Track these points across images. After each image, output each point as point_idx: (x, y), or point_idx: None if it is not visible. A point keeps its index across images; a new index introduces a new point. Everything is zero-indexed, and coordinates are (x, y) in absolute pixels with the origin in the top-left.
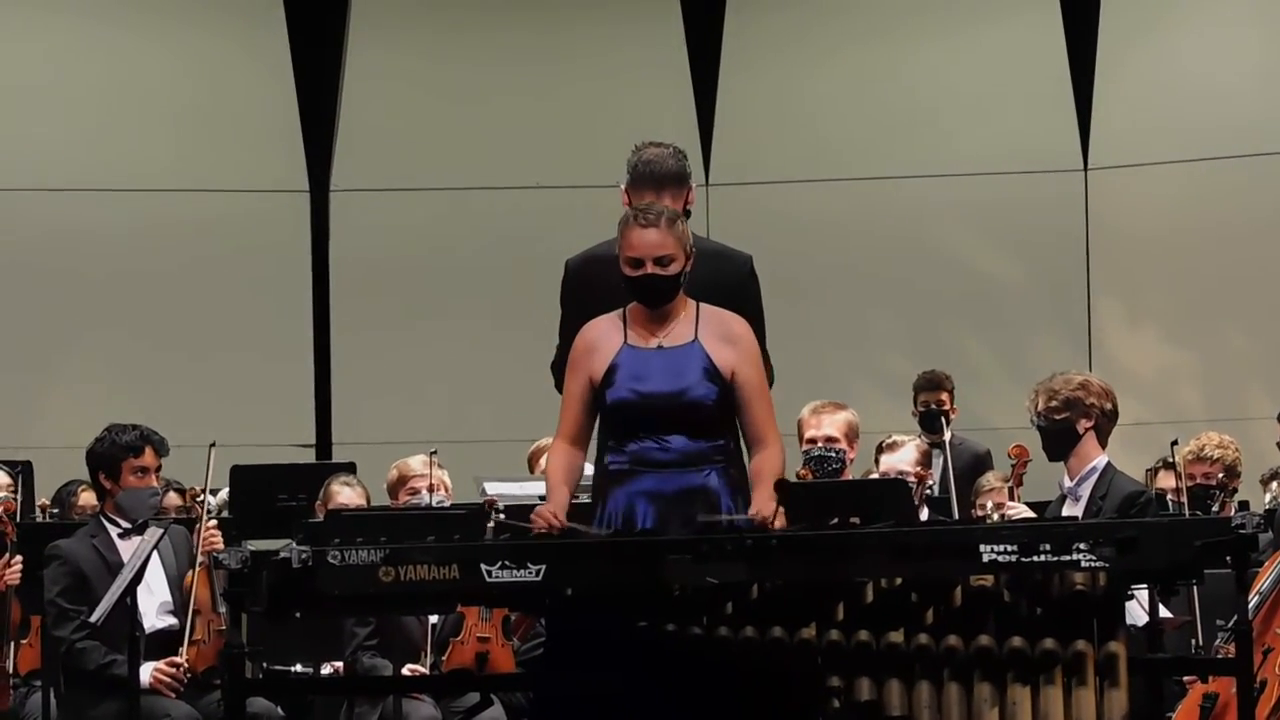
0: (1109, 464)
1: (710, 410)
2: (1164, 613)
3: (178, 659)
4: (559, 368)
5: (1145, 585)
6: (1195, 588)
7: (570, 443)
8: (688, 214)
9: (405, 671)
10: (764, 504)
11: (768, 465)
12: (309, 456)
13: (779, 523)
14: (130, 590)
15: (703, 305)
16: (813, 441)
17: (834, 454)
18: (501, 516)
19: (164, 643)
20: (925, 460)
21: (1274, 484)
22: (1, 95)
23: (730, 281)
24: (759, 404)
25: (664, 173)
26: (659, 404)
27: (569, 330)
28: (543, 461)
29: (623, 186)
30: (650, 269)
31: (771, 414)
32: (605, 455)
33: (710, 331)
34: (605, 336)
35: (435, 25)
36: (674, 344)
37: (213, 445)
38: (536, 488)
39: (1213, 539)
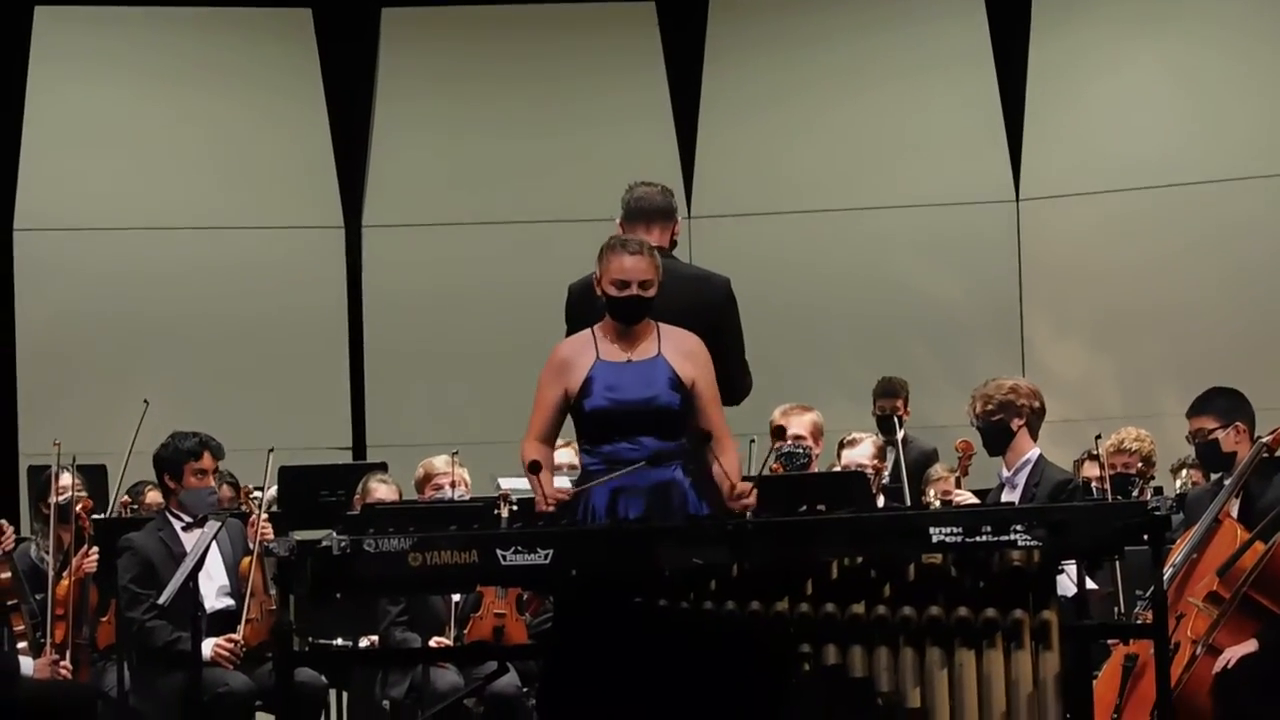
0: (1041, 456)
1: (675, 414)
2: (1090, 585)
3: (235, 635)
4: None
5: (1074, 561)
6: (1117, 562)
7: (542, 441)
8: (674, 244)
9: (432, 643)
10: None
11: (728, 459)
12: (347, 458)
13: (752, 499)
14: (193, 576)
15: (662, 325)
16: (784, 439)
17: (802, 450)
18: (514, 508)
19: (222, 621)
20: (881, 454)
21: (1183, 472)
22: (79, 150)
23: (712, 301)
24: (714, 409)
25: (653, 208)
26: (632, 410)
27: None
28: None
29: (618, 220)
30: (635, 290)
31: (723, 416)
32: (582, 457)
33: (672, 347)
34: (579, 353)
35: (453, 81)
36: (641, 358)
37: (271, 450)
38: None
39: (1132, 520)
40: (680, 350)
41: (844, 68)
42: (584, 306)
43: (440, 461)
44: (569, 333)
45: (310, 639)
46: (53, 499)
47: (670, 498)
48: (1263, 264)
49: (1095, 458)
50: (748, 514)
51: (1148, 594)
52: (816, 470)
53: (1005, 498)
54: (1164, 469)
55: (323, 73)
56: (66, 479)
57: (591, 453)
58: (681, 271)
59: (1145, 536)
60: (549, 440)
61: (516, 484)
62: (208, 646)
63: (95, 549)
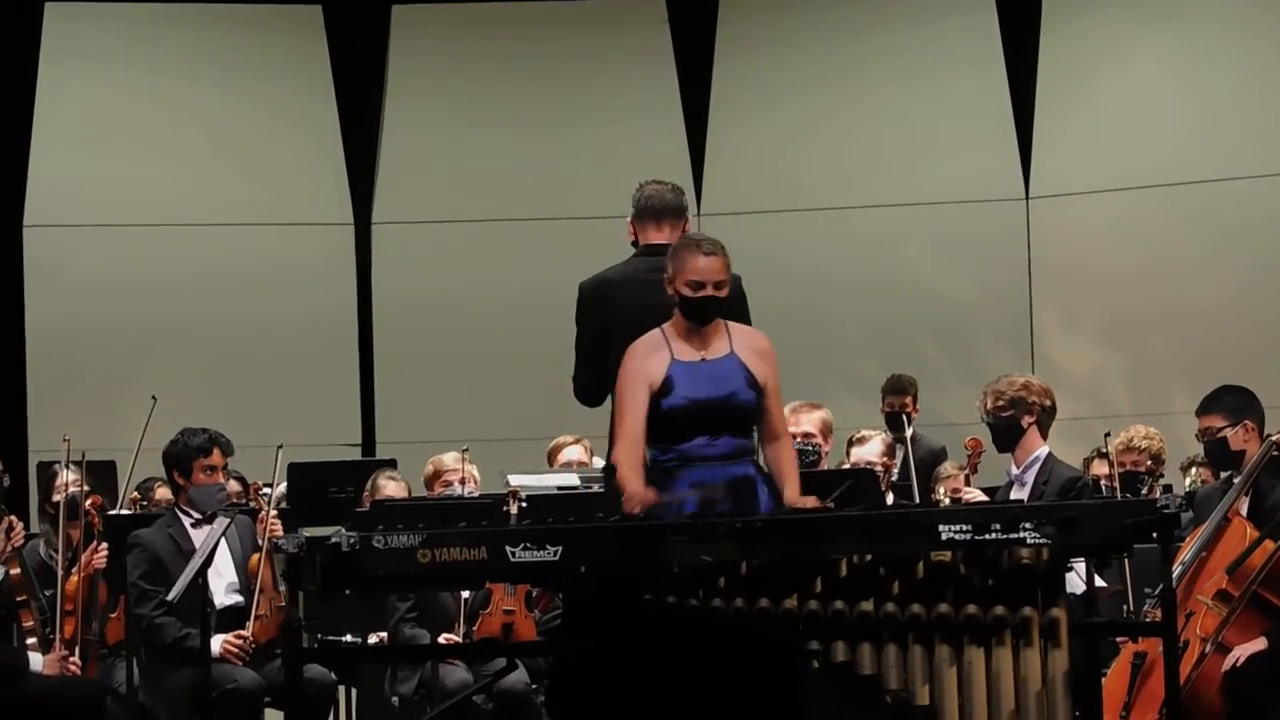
0: (1050, 454)
1: (751, 412)
2: (1099, 582)
3: (244, 632)
4: (579, 380)
5: (1083, 558)
6: (1126, 560)
7: (637, 445)
8: None
9: (441, 640)
10: (795, 494)
11: (787, 456)
12: (356, 454)
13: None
14: (202, 572)
15: (730, 323)
16: (792, 437)
17: (811, 448)
18: (523, 505)
19: (231, 618)
20: (890, 452)
21: (1193, 470)
22: (89, 147)
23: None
24: (778, 406)
25: (663, 206)
26: (711, 408)
27: (584, 346)
28: (561, 456)
29: (629, 218)
30: (710, 291)
31: (784, 413)
32: (651, 453)
33: (743, 345)
34: (653, 354)
35: (463, 79)
36: (715, 357)
37: (280, 447)
38: (555, 479)
39: (1141, 518)
40: (752, 349)
41: (854, 66)
42: (595, 305)
43: (450, 458)
44: (580, 333)
45: (319, 635)
46: (56, 496)
47: (744, 493)
48: (1274, 262)
49: (1104, 455)
50: None
51: (1157, 592)
52: (825, 468)
53: (1014, 495)
54: (1173, 467)
55: (333, 69)
56: (67, 475)
57: (665, 449)
58: None
59: (1154, 534)
60: (641, 444)
61: (526, 481)
62: (217, 643)
63: (105, 545)
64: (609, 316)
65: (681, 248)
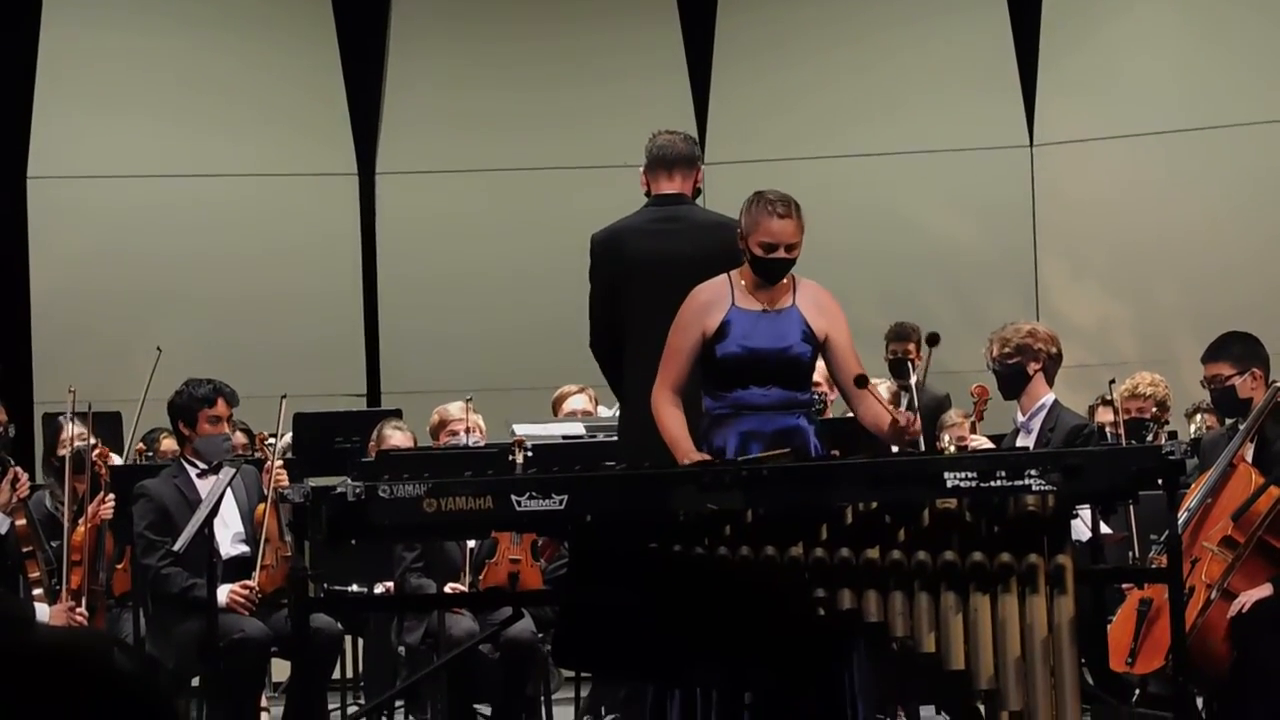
0: (1056, 401)
1: (806, 366)
2: (1105, 529)
3: (250, 582)
4: (598, 347)
5: (1088, 505)
6: (1132, 507)
7: (676, 392)
8: (698, 192)
9: (447, 590)
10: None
11: (875, 401)
12: (361, 405)
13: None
14: (208, 523)
15: (797, 277)
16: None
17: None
18: (529, 454)
19: (238, 568)
20: (895, 400)
21: (1198, 416)
22: (93, 96)
23: (730, 247)
24: (854, 356)
25: (675, 156)
26: (765, 358)
27: (600, 303)
28: (566, 405)
29: (641, 168)
30: (781, 254)
31: (861, 365)
32: (706, 401)
33: (806, 300)
34: (717, 299)
35: (468, 30)
36: (777, 308)
37: (284, 397)
38: (560, 428)
39: (1146, 465)
40: (814, 303)
41: (857, 13)
42: (607, 257)
43: (455, 408)
44: (594, 292)
45: (325, 585)
46: (62, 450)
47: (795, 444)
48: (1278, 208)
49: (1110, 403)
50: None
51: (1162, 538)
52: (830, 416)
53: (1020, 442)
54: (1178, 413)
55: (336, 18)
56: (73, 428)
57: (719, 398)
58: (700, 219)
59: (1160, 481)
60: (682, 390)
61: (531, 430)
62: (223, 593)
63: (111, 496)
64: (620, 267)
65: (756, 207)
